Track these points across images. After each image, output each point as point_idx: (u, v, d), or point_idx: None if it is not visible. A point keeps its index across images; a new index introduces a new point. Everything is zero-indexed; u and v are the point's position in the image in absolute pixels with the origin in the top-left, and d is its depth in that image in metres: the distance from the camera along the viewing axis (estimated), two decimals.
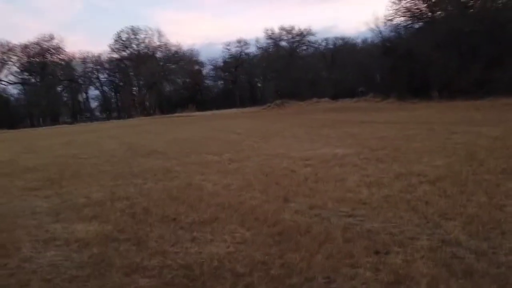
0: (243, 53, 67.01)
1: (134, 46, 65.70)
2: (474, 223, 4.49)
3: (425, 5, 34.66)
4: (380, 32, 40.22)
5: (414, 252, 3.90)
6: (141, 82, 65.38)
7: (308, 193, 6.32)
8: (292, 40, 61.56)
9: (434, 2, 33.70)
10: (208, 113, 47.47)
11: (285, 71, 55.60)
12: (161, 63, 66.13)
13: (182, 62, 66.65)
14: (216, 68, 67.74)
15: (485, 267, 3.49)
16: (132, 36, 64.90)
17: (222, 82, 70.67)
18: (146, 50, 65.94)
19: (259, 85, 67.05)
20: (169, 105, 59.64)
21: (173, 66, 67.19)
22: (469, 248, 3.90)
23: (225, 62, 67.15)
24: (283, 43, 62.70)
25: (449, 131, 12.53)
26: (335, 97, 45.12)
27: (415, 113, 22.18)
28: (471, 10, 30.19)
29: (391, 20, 37.46)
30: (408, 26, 37.12)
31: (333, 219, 5.02)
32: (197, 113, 50.70)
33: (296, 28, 60.91)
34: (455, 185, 6.04)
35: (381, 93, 36.42)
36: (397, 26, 37.51)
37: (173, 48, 66.04)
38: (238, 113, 42.82)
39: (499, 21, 28.06)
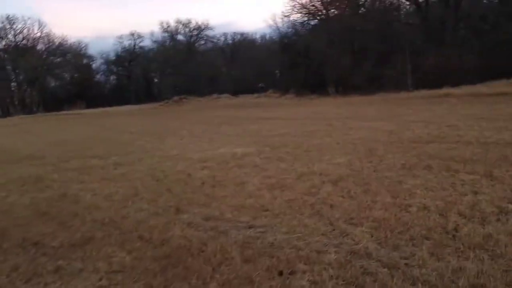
0: (137, 47, 64.03)
1: (11, 37, 58.97)
2: (382, 228, 4.13)
3: (320, 2, 35.85)
4: (278, 29, 40.90)
5: (322, 270, 3.38)
6: (20, 77, 58.78)
7: (204, 201, 5.58)
8: (189, 34, 60.16)
9: (328, 0, 35.00)
10: (99, 110, 44.30)
11: (183, 66, 54.14)
12: (44, 56, 60.09)
13: (68, 56, 61.42)
14: (108, 62, 63.63)
15: (400, 284, 3.06)
16: (8, 26, 58.14)
17: (115, 77, 66.66)
18: (25, 42, 59.53)
19: (156, 80, 64.50)
20: (55, 102, 54.52)
21: (58, 60, 61.47)
22: (380, 260, 3.48)
23: (117, 56, 63.41)
24: (180, 37, 61.06)
25: (347, 127, 12.67)
26: (235, 93, 44.96)
27: (314, 108, 22.62)
28: (363, 9, 31.84)
29: (288, 16, 38.22)
30: (305, 23, 38.18)
31: (231, 232, 4.35)
32: (87, 110, 47.11)
33: (194, 22, 59.69)
34: (358, 184, 5.73)
35: (281, 89, 37.00)
36: (294, 23, 38.40)
37: (57, 40, 60.40)
38: (133, 110, 40.67)
39: (387, 20, 29.97)
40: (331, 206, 4.94)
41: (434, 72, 24.90)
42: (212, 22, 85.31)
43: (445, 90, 21.96)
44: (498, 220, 4.09)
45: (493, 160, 6.46)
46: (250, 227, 4.47)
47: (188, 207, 5.36)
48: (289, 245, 3.91)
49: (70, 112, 45.81)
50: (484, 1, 29.32)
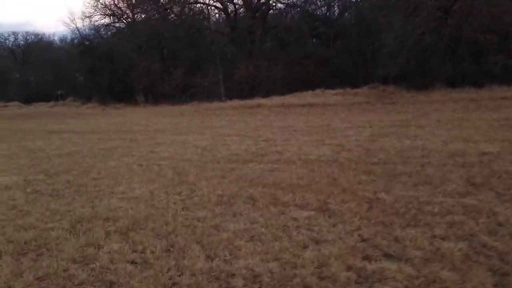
0: None
1: None
2: None
3: (125, 4, 33.13)
4: (78, 30, 36.51)
5: None
6: None
7: None
8: None
9: (134, 2, 32.51)
10: None
11: None
12: None
13: None
14: None
15: None
16: None
17: None
18: None
19: None
20: None
21: None
22: None
23: None
24: None
25: (154, 142, 10.79)
26: (28, 100, 38.58)
27: (118, 119, 20.05)
28: (172, 15, 30.41)
29: (89, 17, 34.32)
30: (109, 26, 34.82)
31: None
32: None
33: None
34: (159, 236, 3.92)
35: (82, 97, 32.89)
36: (96, 25, 34.69)
37: None
38: None
39: (197, 27, 29.19)
40: (111, 285, 3.02)
41: (245, 82, 25.02)
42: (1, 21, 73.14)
43: (256, 101, 22.04)
44: None
45: (322, 185, 5.41)
46: None
47: None
48: None
49: None
50: (289, 15, 31.08)
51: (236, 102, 23.10)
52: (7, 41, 52.43)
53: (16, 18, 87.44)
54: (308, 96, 22.31)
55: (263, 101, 22.17)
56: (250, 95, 24.05)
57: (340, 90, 22.56)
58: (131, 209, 4.80)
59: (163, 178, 6.44)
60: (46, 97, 38.05)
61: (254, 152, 8.40)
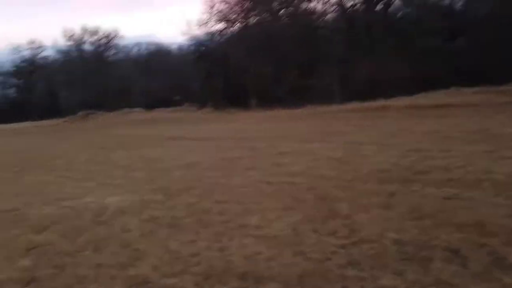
0: (39, 57, 56.76)
1: None
2: None
3: (240, 9, 32.93)
4: (195, 37, 37.33)
5: None
6: None
7: None
8: (97, 43, 54.23)
9: (247, 7, 32.17)
10: None
11: (91, 78, 48.51)
12: None
13: None
14: (3, 74, 55.70)
15: None
16: None
17: (13, 91, 58.67)
18: None
19: (63, 94, 57.63)
20: None
21: None
22: None
23: (16, 67, 55.76)
24: (87, 47, 54.94)
25: (277, 152, 9.49)
26: (149, 106, 40.52)
27: (233, 125, 19.35)
28: (284, 17, 29.37)
29: (205, 24, 34.82)
30: (223, 31, 34.98)
31: None
32: None
33: (102, 30, 53.92)
34: None
35: (198, 102, 33.38)
36: (212, 31, 35.09)
37: None
38: (28, 128, 34.77)
39: (310, 26, 27.73)
40: None
41: (365, 83, 22.88)
42: (124, 34, 79.47)
43: (380, 103, 19.82)
44: None
45: None
46: None
47: None
48: None
49: None
50: (412, 8, 28.07)
51: (355, 105, 21.07)
52: (131, 52, 56.32)
53: (139, 31, 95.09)
54: (441, 96, 19.46)
55: (387, 102, 19.84)
56: (370, 96, 21.82)
57: (481, 89, 19.31)
58: (275, 260, 3.42)
59: (303, 204, 5.01)
60: (165, 103, 39.61)
61: (408, 168, 6.59)
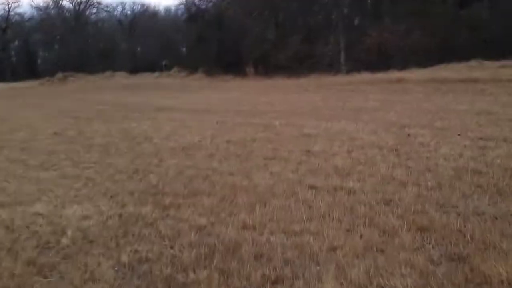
0: (13, 13, 52.72)
1: None
2: None
3: None
4: None
5: None
6: None
7: None
8: (78, 0, 50.28)
9: None
10: None
11: (71, 38, 45.07)
12: None
13: None
14: None
15: None
16: None
17: None
18: None
19: (41, 54, 53.91)
20: None
21: None
22: None
23: None
24: (67, 4, 51.02)
25: (303, 133, 7.37)
26: (134, 70, 37.76)
27: (231, 94, 17.10)
28: None
29: None
30: None
31: None
32: None
33: None
34: None
35: (188, 67, 30.75)
36: None
37: None
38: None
39: None
40: None
41: (376, 52, 20.66)
42: None
43: (394, 74, 17.73)
44: None
45: None
46: None
47: None
48: None
49: None
50: None
51: (366, 76, 18.97)
52: (115, 11, 52.76)
53: None
54: (463, 69, 17.44)
55: (403, 74, 17.77)
56: (381, 67, 19.66)
57: (509, 62, 17.31)
58: None
59: (387, 237, 2.93)
60: (151, 68, 36.87)
61: (498, 165, 4.54)
